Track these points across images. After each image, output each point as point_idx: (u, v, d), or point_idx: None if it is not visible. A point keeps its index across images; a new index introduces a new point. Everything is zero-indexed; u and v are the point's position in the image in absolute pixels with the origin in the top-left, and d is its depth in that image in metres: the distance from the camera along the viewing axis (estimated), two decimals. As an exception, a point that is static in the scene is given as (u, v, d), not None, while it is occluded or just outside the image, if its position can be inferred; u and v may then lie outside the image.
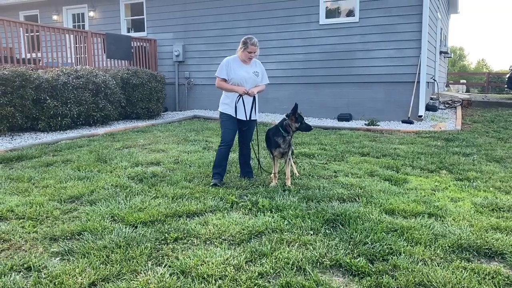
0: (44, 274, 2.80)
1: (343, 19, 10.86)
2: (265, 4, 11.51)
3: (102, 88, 9.47)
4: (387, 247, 3.15)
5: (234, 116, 4.96)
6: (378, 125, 9.57)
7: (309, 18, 11.05)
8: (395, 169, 5.62)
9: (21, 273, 2.83)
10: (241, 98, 4.93)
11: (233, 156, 6.38)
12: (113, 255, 3.03)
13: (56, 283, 2.67)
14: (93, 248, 3.14)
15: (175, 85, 13.08)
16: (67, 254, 3.07)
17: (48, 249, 3.19)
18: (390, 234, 3.41)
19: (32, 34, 10.93)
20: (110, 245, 3.17)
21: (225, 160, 5.05)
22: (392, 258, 3.01)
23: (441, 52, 15.09)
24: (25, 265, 2.91)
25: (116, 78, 10.22)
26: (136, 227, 3.59)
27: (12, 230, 3.52)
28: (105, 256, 3.02)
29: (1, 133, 8.10)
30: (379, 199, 4.28)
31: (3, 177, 5.15)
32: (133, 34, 13.55)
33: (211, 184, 4.83)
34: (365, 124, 9.77)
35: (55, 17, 14.86)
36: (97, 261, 2.94)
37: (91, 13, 14.31)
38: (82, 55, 11.95)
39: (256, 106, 5.09)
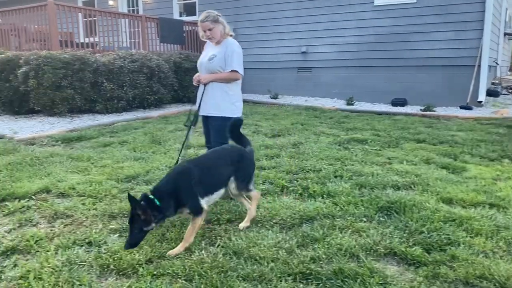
0: (104, 249, 2.93)
1: (400, 0, 10.40)
2: (317, -15, 11.25)
3: (156, 72, 9.69)
4: (444, 237, 3.03)
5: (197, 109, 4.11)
6: (435, 111, 9.17)
7: (363, -1, 10.69)
8: (452, 156, 5.37)
9: (83, 247, 2.98)
10: (199, 89, 4.12)
11: (283, 140, 6.36)
12: (168, 233, 3.13)
13: (115, 258, 2.79)
14: (149, 226, 3.24)
15: (225, 69, 13.12)
16: (125, 231, 3.19)
17: (107, 225, 3.33)
18: (447, 224, 3.27)
19: (90, 19, 11.33)
20: (166, 224, 3.26)
21: None
22: (450, 248, 2.89)
23: (505, 34, 14.15)
24: (87, 240, 3.06)
25: (169, 62, 10.41)
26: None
27: (74, 206, 3.71)
28: (160, 234, 3.12)
29: (62, 114, 8.51)
30: (436, 188, 4.11)
31: (64, 156, 5.42)
32: (185, 18, 13.71)
33: None
34: (421, 109, 9.39)
35: (111, 2, 15.30)
36: (153, 239, 3.04)
37: (145, -2, 14.61)
38: (137, 39, 12.26)
39: (217, 99, 4.00)
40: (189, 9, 14.00)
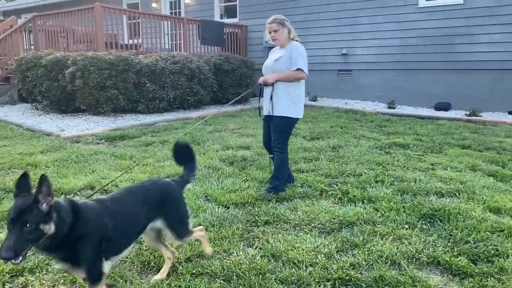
0: (145, 246, 2.99)
1: (446, 1, 10.06)
2: (359, -13, 11.08)
3: (196, 74, 9.84)
4: (492, 248, 2.91)
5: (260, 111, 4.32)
6: (481, 116, 8.81)
7: (406, 1, 10.42)
8: (500, 164, 5.14)
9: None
10: (263, 89, 4.21)
11: (322, 143, 6.29)
12: (207, 233, 3.15)
13: (156, 255, 2.84)
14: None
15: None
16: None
17: (148, 223, 3.40)
18: (495, 234, 3.13)
19: (134, 21, 11.66)
20: (204, 223, 3.30)
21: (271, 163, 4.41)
22: (498, 260, 2.77)
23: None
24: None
25: (209, 63, 10.55)
26: (228, 207, 3.69)
27: (117, 203, 3.80)
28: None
29: (106, 113, 8.79)
30: (482, 196, 3.94)
31: (108, 154, 5.59)
32: (225, 20, 13.85)
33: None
34: (466, 114, 9.05)
35: (154, 5, 15.67)
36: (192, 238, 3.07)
37: (187, 0, 14.86)
38: (178, 41, 12.50)
39: (280, 99, 4.05)
40: (230, 12, 14.13)
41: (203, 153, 5.66)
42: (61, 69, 8.76)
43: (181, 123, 8.14)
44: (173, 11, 15.46)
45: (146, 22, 11.21)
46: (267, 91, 4.16)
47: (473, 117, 8.67)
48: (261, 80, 4.14)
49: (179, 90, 9.54)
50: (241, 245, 3.00)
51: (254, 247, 2.99)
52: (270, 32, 4.12)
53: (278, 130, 4.08)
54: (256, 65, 12.37)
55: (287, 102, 4.05)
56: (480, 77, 9.59)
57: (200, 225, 3.25)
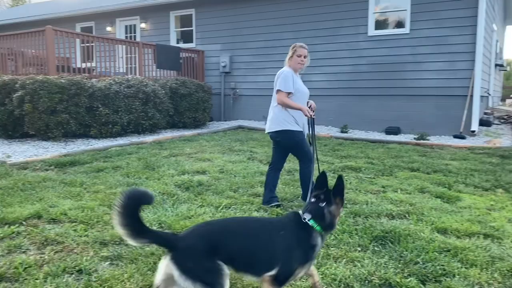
0: (95, 277, 2.88)
1: (393, 31, 10.64)
2: (312, 15, 11.50)
3: (152, 97, 9.74)
4: (440, 268, 3.01)
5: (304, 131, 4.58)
6: (428, 140, 9.24)
7: (357, 29, 10.90)
8: (447, 186, 5.38)
9: (73, 275, 2.92)
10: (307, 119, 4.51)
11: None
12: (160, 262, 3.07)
13: (106, 287, 2.73)
14: (140, 254, 3.19)
15: (221, 95, 13.26)
16: (116, 259, 3.14)
17: (98, 253, 3.27)
18: (442, 254, 3.25)
19: (87, 44, 11.46)
20: (157, 252, 3.21)
21: None
22: (445, 279, 2.87)
23: (496, 65, 14.42)
24: (77, 268, 3.00)
25: (165, 87, 10.50)
26: (182, 235, 3.62)
27: (65, 232, 3.65)
28: (152, 262, 3.06)
29: (56, 139, 8.48)
30: (430, 217, 4.10)
31: (57, 181, 5.37)
32: (182, 45, 13.90)
33: None
34: (414, 138, 9.46)
35: (109, 29, 15.51)
36: (144, 267, 2.99)
37: (143, 25, 14.83)
38: (133, 65, 12.38)
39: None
40: (187, 37, 14.21)
41: (158, 179, 5.56)
42: (8, 92, 8.43)
43: (135, 147, 7.98)
44: (129, 35, 15.36)
45: (100, 46, 11.05)
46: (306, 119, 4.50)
47: (421, 141, 9.07)
48: (312, 113, 4.39)
49: (134, 114, 9.40)
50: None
51: None
52: (301, 56, 4.45)
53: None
54: (213, 90, 12.46)
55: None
56: (427, 103, 10.10)
57: (153, 254, 3.17)
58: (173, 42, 14.20)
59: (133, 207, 2.07)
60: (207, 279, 2.05)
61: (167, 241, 2.19)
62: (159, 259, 3.08)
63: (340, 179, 2.42)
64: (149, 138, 9.14)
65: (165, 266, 2.10)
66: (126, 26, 15.50)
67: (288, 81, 4.36)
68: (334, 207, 2.48)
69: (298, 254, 2.31)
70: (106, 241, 3.48)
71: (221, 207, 4.34)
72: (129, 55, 12.74)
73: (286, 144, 4.56)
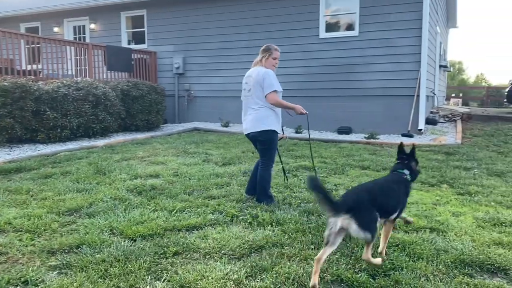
0: (41, 288, 2.76)
1: (343, 33, 10.93)
2: (265, 17, 11.60)
3: (102, 100, 9.48)
4: (389, 262, 3.12)
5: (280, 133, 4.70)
6: (378, 139, 9.56)
7: (309, 31, 11.12)
8: (395, 182, 5.58)
9: (18, 287, 2.79)
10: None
11: (233, 169, 6.36)
12: (111, 269, 2.99)
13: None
14: (91, 261, 3.10)
15: (175, 97, 13.11)
16: (65, 268, 3.03)
17: (45, 262, 3.14)
18: (392, 249, 3.37)
19: (33, 45, 10.99)
20: (108, 258, 3.13)
21: None
22: (394, 273, 2.97)
23: (440, 66, 15.15)
24: (22, 279, 2.87)
25: (116, 90, 10.24)
26: (135, 240, 3.55)
27: (10, 243, 3.47)
28: (103, 270, 2.98)
29: (0, 144, 8.07)
30: (379, 213, 4.24)
31: (1, 189, 5.11)
32: (133, 46, 13.63)
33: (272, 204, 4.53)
34: (365, 137, 9.76)
35: (56, 29, 14.94)
36: (95, 275, 2.90)
37: (92, 26, 14.40)
38: (83, 67, 12.00)
39: None
40: (138, 38, 13.94)
41: (109, 184, 5.41)
42: None
43: (85, 152, 7.73)
44: (78, 36, 14.87)
45: (47, 47, 10.62)
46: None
47: (372, 140, 9.37)
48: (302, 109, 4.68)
49: (84, 117, 9.10)
50: (148, 279, 2.89)
51: (162, 280, 2.89)
52: (276, 59, 4.68)
53: None
54: (166, 92, 12.29)
55: None
56: (376, 103, 10.45)
57: (104, 261, 3.09)
58: (124, 43, 13.88)
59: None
60: (373, 227, 2.82)
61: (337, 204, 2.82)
62: (111, 266, 3.02)
63: (413, 147, 3.45)
64: (100, 142, 8.88)
65: (341, 220, 2.73)
66: (74, 27, 14.99)
67: (277, 80, 4.54)
68: (414, 163, 3.44)
69: (405, 199, 3.30)
70: (54, 249, 3.35)
71: (175, 211, 4.29)
72: (78, 57, 12.33)
73: (264, 142, 4.63)
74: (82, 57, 11.81)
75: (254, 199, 4.72)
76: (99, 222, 3.91)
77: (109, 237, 3.61)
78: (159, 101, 11.25)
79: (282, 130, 4.87)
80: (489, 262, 3.15)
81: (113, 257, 3.16)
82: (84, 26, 14.75)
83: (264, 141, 4.62)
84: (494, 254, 3.28)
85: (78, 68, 12.50)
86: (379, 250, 3.23)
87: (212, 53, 12.47)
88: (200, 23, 12.56)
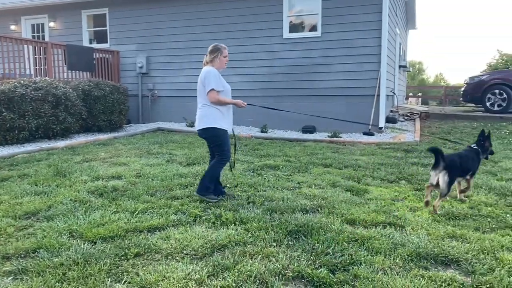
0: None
1: (306, 34, 11.08)
2: (229, 17, 11.60)
3: (63, 100, 9.22)
4: (348, 257, 3.20)
5: (229, 130, 4.83)
6: (341, 137, 9.75)
7: (273, 32, 11.20)
8: (356, 179, 5.73)
9: (-30, 295, 2.69)
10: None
11: (198, 169, 6.34)
12: (70, 272, 2.93)
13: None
14: (48, 266, 3.02)
15: (138, 97, 12.90)
16: (21, 273, 2.95)
17: (0, 268, 3.04)
18: (351, 244, 3.46)
19: (-12, 44, 10.55)
20: (67, 262, 3.07)
21: None
22: (353, 268, 3.05)
23: (400, 66, 15.60)
24: (-26, 286, 2.77)
25: (77, 90, 9.99)
26: (95, 243, 3.49)
27: (-38, 249, 3.34)
28: (61, 274, 2.91)
29: (-47, 147, 7.72)
30: (340, 210, 4.34)
31: (-47, 193, 4.90)
32: (95, 45, 13.32)
33: (214, 201, 4.63)
34: (328, 136, 9.94)
35: (13, 27, 14.40)
36: (52, 279, 2.83)
37: (52, 24, 13.97)
38: (42, 66, 11.63)
39: None
40: (100, 37, 13.63)
41: (69, 186, 5.28)
42: None
43: (45, 153, 7.50)
44: (36, 34, 14.38)
45: (3, 46, 10.23)
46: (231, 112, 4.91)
47: (335, 138, 9.56)
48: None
49: (43, 118, 8.82)
50: (108, 282, 2.85)
51: (122, 282, 2.86)
52: (226, 57, 4.89)
53: None
54: (130, 92, 12.09)
55: None
56: (338, 102, 10.66)
57: (62, 264, 3.03)
58: (85, 42, 13.54)
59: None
60: (451, 186, 4.44)
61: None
62: (69, 269, 2.96)
63: (489, 133, 5.00)
64: (60, 143, 8.64)
65: (437, 173, 4.39)
66: (33, 25, 14.49)
67: (217, 80, 4.63)
68: (488, 144, 4.95)
69: (478, 165, 4.85)
70: (9, 254, 3.24)
71: (137, 212, 4.24)
72: (37, 56, 11.94)
73: (211, 141, 4.78)
74: (41, 56, 11.44)
75: (223, 198, 4.75)
76: (57, 225, 3.82)
77: (68, 240, 3.53)
78: (122, 101, 11.05)
79: (233, 129, 5.02)
80: (443, 255, 3.29)
81: (71, 260, 3.10)
82: (43, 25, 14.28)
83: (209, 138, 4.79)
84: (448, 246, 3.43)
85: (37, 67, 12.11)
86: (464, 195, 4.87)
87: (176, 53, 12.37)
88: (164, 22, 12.43)
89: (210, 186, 4.72)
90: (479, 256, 3.26)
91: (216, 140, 4.73)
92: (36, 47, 11.58)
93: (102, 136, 9.79)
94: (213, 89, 4.59)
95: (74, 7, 13.47)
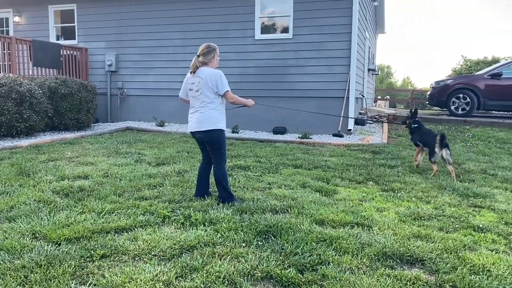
0: None
1: (278, 35, 11.15)
2: (201, 16, 11.54)
3: (27, 98, 8.93)
4: (316, 257, 3.23)
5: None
6: (311, 138, 9.85)
7: (244, 33, 11.21)
8: (325, 180, 5.80)
9: None
10: None
11: (167, 169, 6.27)
12: (32, 275, 2.84)
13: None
14: (9, 268, 2.92)
15: (107, 95, 12.65)
16: (-20, 277, 2.83)
17: (-43, 271, 2.92)
18: (319, 244, 3.50)
19: None
20: (29, 264, 2.97)
21: None
22: (321, 267, 3.08)
23: (369, 70, 15.91)
24: None
25: (43, 87, 9.70)
26: (60, 244, 3.39)
27: None
28: (23, 276, 2.82)
29: None
30: (310, 210, 4.38)
31: None
32: (62, 42, 12.97)
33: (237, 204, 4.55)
34: (299, 137, 10.02)
35: (-26, 21, 13.86)
36: (13, 282, 2.74)
37: (16, 19, 13.52)
38: (6, 62, 11.22)
39: None
40: (68, 33, 13.29)
41: (33, 186, 5.12)
42: None
43: (7, 152, 7.25)
44: (0, 29, 13.88)
45: (-37, 39, 9.83)
46: None
47: (305, 140, 9.64)
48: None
49: (6, 116, 8.52)
50: (72, 284, 2.77)
51: (88, 284, 2.79)
52: (218, 56, 4.94)
53: None
54: (98, 90, 11.84)
55: None
56: (309, 104, 10.76)
57: (24, 267, 2.93)
58: (52, 39, 13.17)
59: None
60: None
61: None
62: (31, 272, 2.87)
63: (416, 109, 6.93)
64: (24, 142, 8.37)
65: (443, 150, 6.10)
66: (-4, 19, 13.99)
67: (226, 80, 4.74)
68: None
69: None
70: (-33, 257, 3.11)
71: (103, 213, 4.15)
72: (0, 52, 11.50)
73: (213, 142, 4.60)
74: (5, 51, 11.04)
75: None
76: (20, 226, 3.70)
77: (31, 241, 3.42)
78: (90, 99, 10.80)
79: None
80: (408, 254, 3.37)
81: (34, 262, 3.00)
82: (7, 19, 13.80)
83: (212, 140, 4.60)
84: (413, 246, 3.51)
85: (1, 63, 11.67)
86: None
87: (146, 51, 12.20)
88: (134, 19, 12.23)
89: (229, 190, 4.69)
90: (443, 255, 3.36)
91: (218, 142, 4.59)
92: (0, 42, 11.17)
93: (68, 135, 9.54)
94: (228, 90, 4.67)
95: (41, 2, 13.09)
